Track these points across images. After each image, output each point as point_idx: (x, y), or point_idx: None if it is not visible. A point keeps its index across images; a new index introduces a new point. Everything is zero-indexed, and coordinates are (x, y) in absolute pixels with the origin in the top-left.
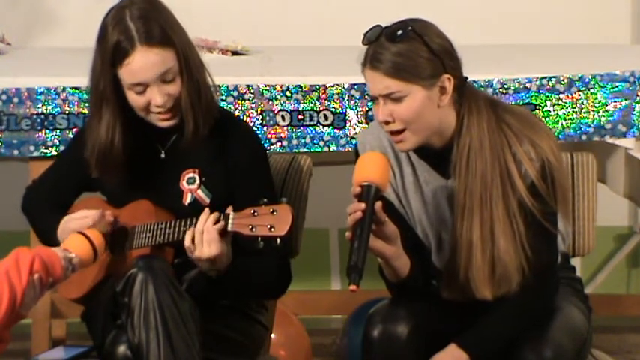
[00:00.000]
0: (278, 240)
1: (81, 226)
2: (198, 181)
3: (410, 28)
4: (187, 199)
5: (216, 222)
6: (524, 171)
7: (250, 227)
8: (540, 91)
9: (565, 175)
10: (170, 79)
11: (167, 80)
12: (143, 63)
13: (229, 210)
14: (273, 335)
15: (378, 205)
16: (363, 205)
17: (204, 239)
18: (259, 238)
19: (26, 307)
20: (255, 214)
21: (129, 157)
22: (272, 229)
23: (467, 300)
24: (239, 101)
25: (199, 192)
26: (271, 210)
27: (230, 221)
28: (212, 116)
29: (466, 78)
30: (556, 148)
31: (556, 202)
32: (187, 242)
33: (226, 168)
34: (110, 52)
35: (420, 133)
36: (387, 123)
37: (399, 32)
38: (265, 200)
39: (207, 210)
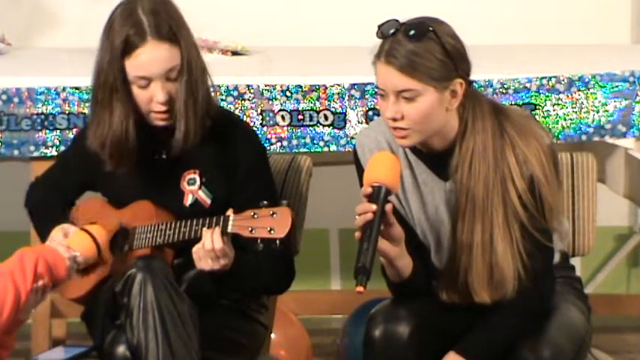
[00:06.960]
0: (277, 242)
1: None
2: (199, 182)
3: (430, 28)
4: (188, 200)
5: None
6: (516, 181)
7: (250, 229)
8: (540, 91)
9: (554, 190)
10: (174, 77)
11: (171, 78)
12: (152, 56)
13: (229, 212)
14: (273, 335)
15: (389, 206)
16: (373, 207)
17: (213, 256)
18: (259, 240)
19: (26, 312)
20: (255, 216)
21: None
22: (272, 232)
23: (465, 302)
24: (239, 101)
25: (200, 193)
26: (271, 212)
27: (230, 223)
28: (206, 122)
29: (471, 81)
30: (546, 161)
31: (544, 217)
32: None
33: (227, 169)
34: (120, 45)
35: (424, 133)
36: (394, 119)
37: (418, 31)
38: (265, 202)
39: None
